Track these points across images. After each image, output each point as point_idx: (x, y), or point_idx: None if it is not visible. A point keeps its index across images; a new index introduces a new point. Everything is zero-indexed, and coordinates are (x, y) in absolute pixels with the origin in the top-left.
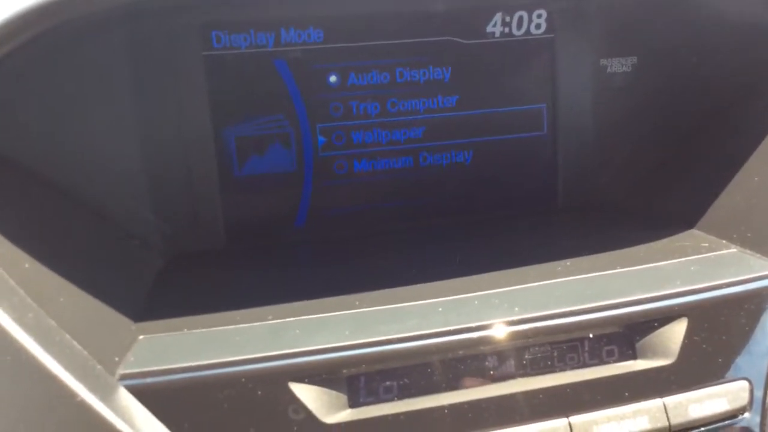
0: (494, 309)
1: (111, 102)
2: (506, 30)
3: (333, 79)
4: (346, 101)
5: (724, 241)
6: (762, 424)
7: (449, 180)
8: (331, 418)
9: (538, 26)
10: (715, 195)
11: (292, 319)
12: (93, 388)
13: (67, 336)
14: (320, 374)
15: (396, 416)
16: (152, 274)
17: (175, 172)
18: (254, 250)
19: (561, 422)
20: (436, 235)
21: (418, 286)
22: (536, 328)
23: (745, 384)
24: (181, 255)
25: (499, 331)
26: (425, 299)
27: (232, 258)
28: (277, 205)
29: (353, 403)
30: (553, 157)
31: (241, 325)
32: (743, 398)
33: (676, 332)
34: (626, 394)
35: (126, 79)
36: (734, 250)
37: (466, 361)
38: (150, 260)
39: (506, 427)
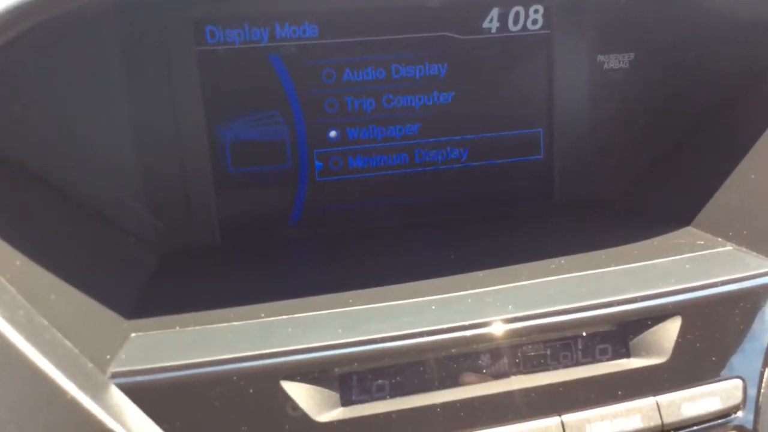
0: (487, 307)
1: (104, 97)
2: (502, 25)
3: (328, 74)
4: (341, 97)
5: (719, 239)
6: (755, 422)
7: (445, 177)
8: (323, 417)
9: (534, 22)
10: (711, 192)
11: (284, 317)
12: (84, 386)
13: (58, 334)
14: (312, 372)
15: (388, 414)
16: (145, 271)
17: (169, 168)
18: (248, 247)
19: (554, 421)
20: (431, 232)
21: (412, 283)
22: (529, 326)
23: (738, 382)
24: (175, 252)
25: (492, 329)
26: (418, 297)
27: (225, 255)
28: (271, 202)
29: (345, 402)
30: (549, 153)
31: (234, 323)
32: (736, 397)
33: (669, 331)
34: (619, 392)
35: (119, 74)
36: (730, 248)
37: (458, 360)
38: (143, 257)
39: (499, 426)
